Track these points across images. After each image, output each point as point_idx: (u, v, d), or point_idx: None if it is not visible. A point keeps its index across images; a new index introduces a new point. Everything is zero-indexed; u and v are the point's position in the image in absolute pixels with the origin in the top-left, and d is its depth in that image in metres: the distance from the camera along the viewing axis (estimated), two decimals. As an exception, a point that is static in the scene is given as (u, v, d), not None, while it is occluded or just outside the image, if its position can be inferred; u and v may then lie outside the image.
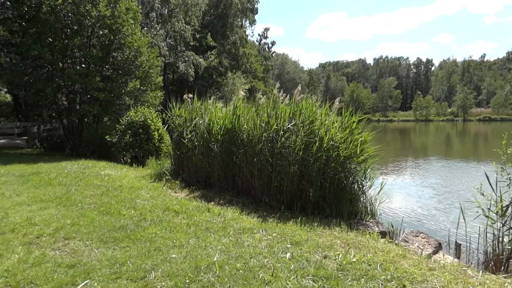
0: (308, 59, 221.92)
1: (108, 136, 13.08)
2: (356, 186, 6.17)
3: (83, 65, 14.32)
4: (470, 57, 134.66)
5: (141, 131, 12.56)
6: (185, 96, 10.21)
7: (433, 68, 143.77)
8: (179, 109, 9.74)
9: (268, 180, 6.75)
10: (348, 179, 6.08)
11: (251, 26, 39.27)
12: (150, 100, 15.61)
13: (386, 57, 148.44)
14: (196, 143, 8.28)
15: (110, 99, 14.01)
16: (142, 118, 12.77)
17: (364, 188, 6.15)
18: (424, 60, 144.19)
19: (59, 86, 13.43)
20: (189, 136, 8.73)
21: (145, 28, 18.59)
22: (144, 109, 13.17)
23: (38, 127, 17.96)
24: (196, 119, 8.79)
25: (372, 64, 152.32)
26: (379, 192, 6.13)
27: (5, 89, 35.15)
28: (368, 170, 6.16)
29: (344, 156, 5.86)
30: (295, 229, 4.90)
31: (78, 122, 14.65)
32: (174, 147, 9.59)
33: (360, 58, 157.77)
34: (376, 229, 5.57)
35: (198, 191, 7.40)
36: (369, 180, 6.16)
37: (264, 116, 7.10)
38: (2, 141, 19.03)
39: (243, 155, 7.30)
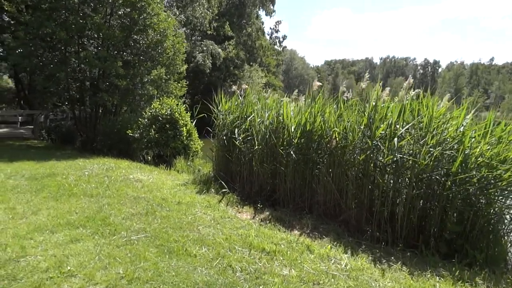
0: (312, 56, 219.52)
1: (130, 131, 11.32)
2: (507, 219, 4.44)
3: (99, 48, 12.53)
4: (479, 60, 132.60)
5: (167, 126, 10.83)
6: (234, 88, 8.51)
7: (440, 70, 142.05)
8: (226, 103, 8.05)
9: (369, 202, 5.03)
10: (497, 209, 4.35)
11: (270, 17, 37.24)
12: (174, 91, 13.82)
13: (393, 57, 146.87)
14: (256, 147, 6.54)
15: (131, 88, 12.25)
16: (169, 111, 11.03)
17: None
18: (431, 61, 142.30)
19: (74, 70, 11.65)
20: (242, 136, 7.02)
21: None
22: (171, 100, 11.41)
23: (45, 116, 16.16)
24: (252, 116, 7.08)
25: (378, 63, 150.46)
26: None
27: (7, 74, 33.32)
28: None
29: (507, 179, 4.13)
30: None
31: (93, 112, 12.88)
32: (219, 149, 7.86)
33: (367, 57, 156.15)
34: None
35: (266, 211, 5.67)
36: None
37: (359, 115, 5.39)
38: (4, 129, 17.25)
39: (328, 166, 5.59)
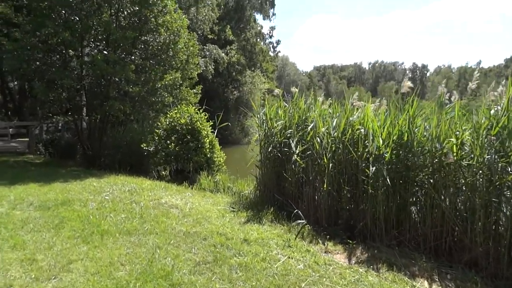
0: (301, 62, 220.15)
1: (144, 144, 9.95)
2: None
3: (104, 51, 11.15)
4: (467, 63, 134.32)
5: (188, 137, 9.49)
6: (277, 91, 7.28)
7: (428, 74, 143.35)
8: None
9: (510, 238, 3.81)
10: None
11: (270, 21, 36.15)
12: (189, 98, 12.46)
13: (382, 61, 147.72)
14: (325, 162, 5.27)
15: (143, 95, 10.90)
16: (189, 120, 9.71)
17: None
18: (419, 65, 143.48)
19: (78, 76, 10.24)
20: (300, 149, 5.76)
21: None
22: (191, 108, 10.08)
23: (40, 128, 14.64)
24: (312, 124, 5.85)
25: (367, 68, 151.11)
26: None
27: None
28: None
29: None
30: None
31: (98, 123, 11.43)
32: (266, 165, 6.58)
33: (356, 62, 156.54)
34: None
35: (360, 248, 4.40)
36: None
37: (482, 123, 4.19)
38: (-5, 144, 15.62)
39: (439, 188, 4.35)
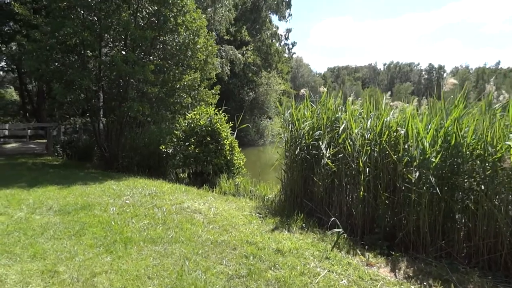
0: (315, 63, 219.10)
1: (163, 146, 9.72)
2: None
3: (122, 51, 10.97)
4: (485, 64, 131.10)
5: (208, 139, 9.23)
6: (302, 91, 6.94)
7: (445, 75, 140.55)
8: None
9: None
10: None
11: (286, 22, 35.83)
12: (207, 99, 12.20)
13: (398, 62, 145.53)
14: (360, 166, 4.91)
15: (161, 96, 10.68)
16: (208, 122, 9.44)
17: None
18: (436, 66, 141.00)
19: (97, 76, 10.08)
20: (332, 152, 5.43)
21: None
22: (210, 109, 9.81)
23: (58, 129, 14.60)
24: (344, 125, 5.51)
25: (382, 69, 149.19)
26: None
27: (11, 87, 31.93)
28: None
29: None
30: None
31: (116, 124, 11.24)
32: (293, 169, 6.24)
33: (370, 63, 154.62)
34: None
35: (404, 260, 4.03)
36: None
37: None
38: (14, 145, 15.69)
39: (489, 195, 3.95)
